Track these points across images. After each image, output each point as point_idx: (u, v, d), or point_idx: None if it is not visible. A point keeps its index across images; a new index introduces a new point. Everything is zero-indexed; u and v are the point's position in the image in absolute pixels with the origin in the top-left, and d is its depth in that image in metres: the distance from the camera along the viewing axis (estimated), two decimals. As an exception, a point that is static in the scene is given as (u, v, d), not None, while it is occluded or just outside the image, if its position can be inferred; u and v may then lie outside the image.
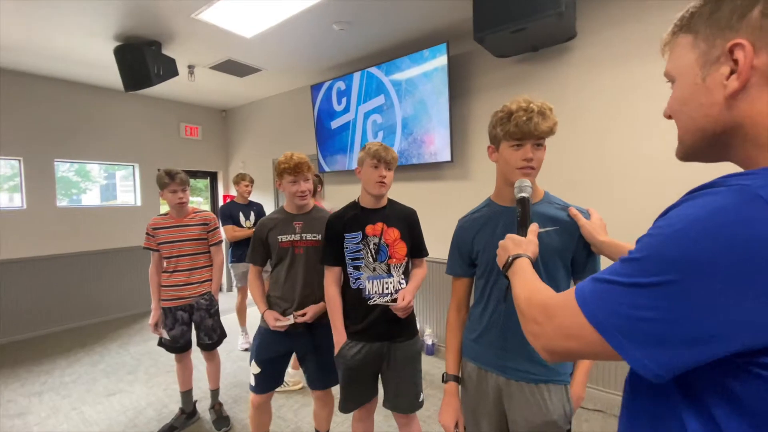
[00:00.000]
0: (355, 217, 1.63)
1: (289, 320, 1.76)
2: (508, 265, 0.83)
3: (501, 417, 1.21)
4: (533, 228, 0.96)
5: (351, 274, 1.62)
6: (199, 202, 6.27)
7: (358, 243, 1.60)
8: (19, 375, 3.21)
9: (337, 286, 1.67)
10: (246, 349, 3.56)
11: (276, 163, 1.82)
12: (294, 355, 1.97)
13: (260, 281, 1.93)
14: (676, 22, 0.55)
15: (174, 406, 2.64)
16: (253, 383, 1.88)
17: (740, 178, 0.43)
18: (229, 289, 5.78)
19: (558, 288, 1.13)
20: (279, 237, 1.82)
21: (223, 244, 2.54)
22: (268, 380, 1.90)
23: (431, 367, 3.07)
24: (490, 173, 3.21)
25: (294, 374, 2.85)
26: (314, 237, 1.84)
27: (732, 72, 0.47)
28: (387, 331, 1.60)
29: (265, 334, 1.85)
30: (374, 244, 1.59)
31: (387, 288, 1.60)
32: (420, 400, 1.67)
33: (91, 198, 4.89)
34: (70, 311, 4.35)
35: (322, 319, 1.81)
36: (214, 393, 2.53)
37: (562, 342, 0.53)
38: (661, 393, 0.50)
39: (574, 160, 2.69)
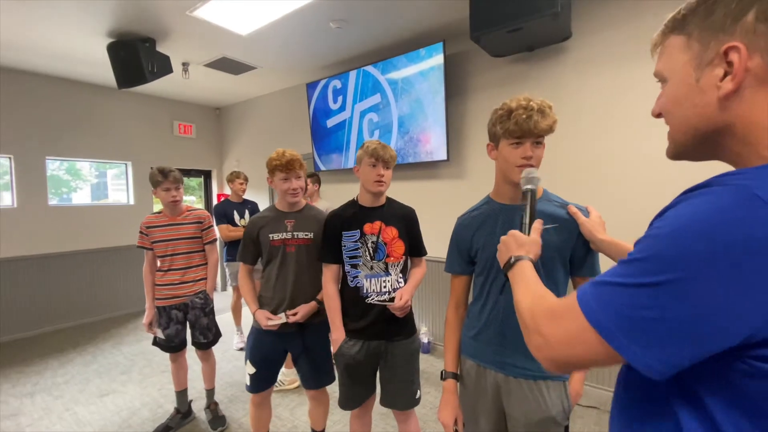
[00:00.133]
0: (353, 215, 1.63)
1: (281, 319, 1.74)
2: (510, 266, 0.82)
3: (500, 414, 1.21)
4: (537, 226, 0.92)
5: (349, 272, 1.63)
6: (192, 201, 6.23)
7: (356, 241, 1.60)
8: (9, 376, 3.16)
9: (336, 284, 1.67)
10: (241, 349, 3.55)
11: (268, 159, 1.80)
12: (289, 354, 1.97)
13: (250, 280, 1.91)
14: (666, 23, 0.56)
15: (169, 406, 2.62)
16: (248, 383, 1.87)
17: (736, 177, 0.44)
18: (224, 288, 5.75)
19: (557, 285, 1.15)
20: (270, 235, 1.80)
21: (218, 243, 2.52)
22: (264, 380, 1.89)
23: (428, 366, 3.07)
24: (486, 172, 3.24)
25: (289, 373, 2.84)
26: (306, 235, 1.82)
27: (726, 74, 0.48)
28: (385, 330, 1.61)
29: (258, 333, 1.84)
30: (372, 242, 1.59)
31: (385, 286, 1.60)
32: (417, 397, 1.68)
33: (82, 197, 4.83)
34: (61, 311, 4.29)
35: (314, 318, 1.81)
36: (210, 393, 2.52)
37: (567, 350, 0.52)
38: (654, 389, 0.51)
39: (569, 159, 2.71)
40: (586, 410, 2.53)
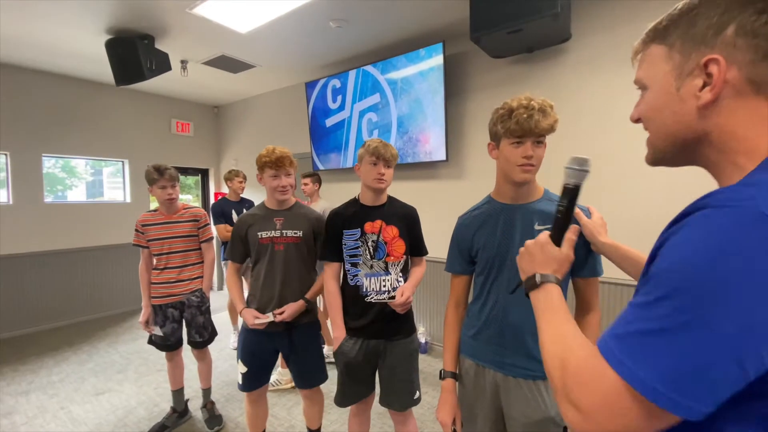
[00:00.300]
0: (354, 213, 1.63)
1: (269, 318, 1.73)
2: (534, 285, 0.72)
3: (498, 413, 1.21)
4: (572, 237, 0.78)
5: (349, 270, 1.63)
6: (188, 199, 6.20)
7: (356, 240, 1.60)
8: (5, 374, 3.13)
9: (337, 282, 1.66)
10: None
11: (258, 156, 1.79)
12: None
13: (238, 278, 1.90)
14: (648, 32, 0.58)
15: (165, 405, 2.61)
16: (240, 382, 1.87)
17: (738, 192, 0.44)
18: (221, 288, 5.73)
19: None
20: (259, 233, 1.79)
21: (215, 242, 2.51)
22: (255, 379, 1.88)
23: (426, 366, 3.07)
24: (485, 172, 3.24)
25: (285, 373, 2.83)
26: (295, 233, 1.80)
27: (705, 84, 0.50)
28: (384, 329, 1.61)
29: (247, 333, 1.83)
30: (372, 241, 1.59)
31: (384, 286, 1.60)
32: (416, 397, 1.68)
33: (77, 195, 4.79)
34: (57, 309, 4.26)
35: (302, 318, 1.80)
36: (206, 392, 2.50)
37: (607, 420, 0.45)
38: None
39: (565, 161, 2.71)
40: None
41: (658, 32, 0.56)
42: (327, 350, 3.21)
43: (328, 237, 1.65)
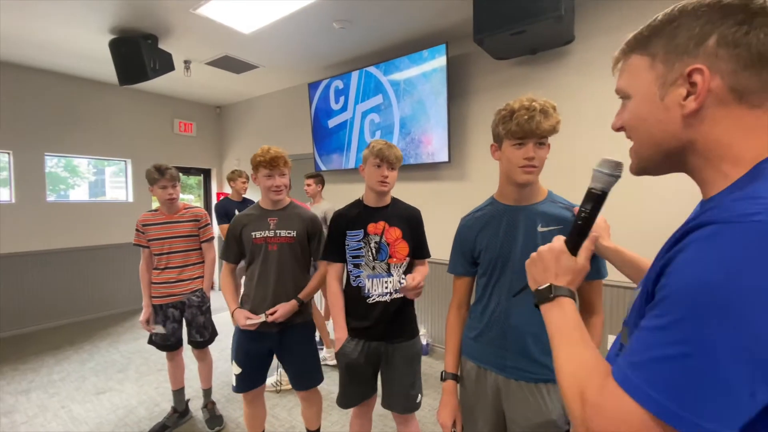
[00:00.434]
0: (357, 214, 1.63)
1: (261, 318, 1.72)
2: (547, 298, 0.68)
3: (499, 416, 1.21)
4: (589, 246, 0.72)
5: (351, 271, 1.62)
6: (190, 199, 6.21)
7: (359, 241, 1.60)
8: (5, 373, 3.13)
9: (340, 283, 1.66)
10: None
11: (252, 156, 1.79)
12: None
13: (232, 278, 1.90)
14: (628, 41, 0.59)
15: (166, 404, 2.60)
16: (234, 383, 1.85)
17: (744, 206, 0.43)
18: (221, 287, 5.73)
19: None
20: (253, 233, 1.79)
21: (216, 241, 2.51)
22: (249, 380, 1.87)
23: (427, 367, 3.07)
24: (488, 174, 3.24)
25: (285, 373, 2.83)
26: (289, 233, 1.80)
27: (688, 93, 0.51)
28: (386, 331, 1.60)
29: (241, 334, 1.82)
30: (375, 242, 1.59)
31: (386, 287, 1.60)
32: (417, 401, 1.67)
33: (79, 194, 4.80)
34: (58, 308, 4.26)
35: (295, 318, 1.80)
36: (207, 392, 2.50)
37: None
38: None
39: (570, 163, 2.71)
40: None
41: (640, 42, 0.57)
42: (325, 353, 3.21)
43: (331, 237, 1.65)
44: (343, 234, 1.62)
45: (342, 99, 3.88)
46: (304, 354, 1.87)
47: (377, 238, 1.59)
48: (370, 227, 1.60)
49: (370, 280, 1.59)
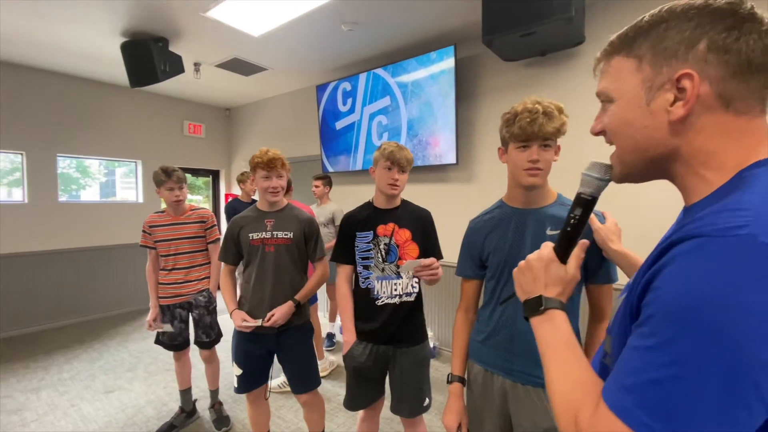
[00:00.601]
0: (367, 216, 1.63)
1: (257, 323, 1.73)
2: (537, 311, 0.65)
3: (506, 420, 1.19)
4: (579, 254, 0.68)
5: (360, 273, 1.62)
6: (198, 200, 6.26)
7: (368, 242, 1.60)
8: (16, 371, 3.18)
9: (349, 284, 1.65)
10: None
11: (251, 158, 1.81)
12: None
13: (231, 280, 1.91)
14: (612, 41, 0.57)
15: (173, 404, 2.62)
16: (236, 384, 1.86)
17: (730, 219, 0.42)
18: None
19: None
20: (250, 235, 1.80)
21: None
22: (250, 380, 1.87)
23: (433, 371, 3.01)
24: (495, 176, 3.22)
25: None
26: (286, 235, 1.81)
27: (676, 99, 0.49)
28: (394, 334, 1.59)
29: (240, 335, 1.82)
30: (385, 244, 1.58)
31: (396, 290, 1.59)
32: (425, 405, 1.65)
33: (90, 194, 4.87)
34: (68, 307, 4.32)
35: (292, 320, 1.80)
36: (214, 393, 2.51)
37: None
38: None
39: (579, 165, 2.68)
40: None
41: (625, 44, 0.55)
42: (323, 363, 3.11)
43: (341, 239, 1.65)
44: (352, 236, 1.62)
45: (350, 101, 3.89)
46: (303, 356, 1.87)
47: (387, 240, 1.58)
48: (380, 229, 1.59)
49: (380, 282, 1.59)
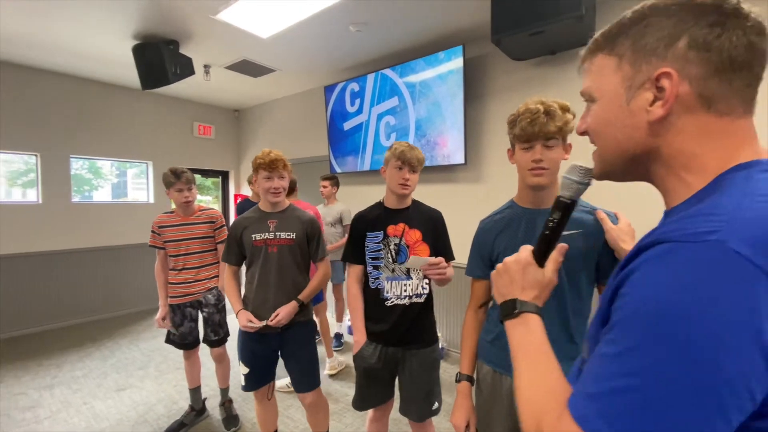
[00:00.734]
0: (378, 216, 1.62)
1: (262, 324, 1.75)
2: (512, 314, 0.64)
3: (515, 421, 1.18)
4: (557, 257, 0.68)
5: (371, 273, 1.61)
6: (208, 201, 6.32)
7: (378, 242, 1.59)
8: (30, 368, 3.23)
9: (359, 285, 1.65)
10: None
11: (253, 159, 1.83)
12: None
13: (235, 280, 1.92)
14: (595, 40, 0.56)
15: (183, 403, 2.64)
16: (243, 383, 1.88)
17: (701, 224, 0.40)
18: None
19: (580, 294, 1.12)
20: (253, 235, 1.81)
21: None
22: (257, 379, 1.89)
23: (441, 372, 3.01)
24: (504, 176, 3.20)
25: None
26: (288, 235, 1.82)
27: (655, 99, 0.48)
28: (404, 336, 1.58)
29: (245, 334, 1.84)
30: (395, 244, 1.58)
31: (405, 290, 1.58)
32: (434, 408, 1.64)
33: (102, 195, 4.94)
34: (81, 306, 4.39)
35: (297, 317, 1.81)
36: (224, 392, 2.53)
37: None
38: None
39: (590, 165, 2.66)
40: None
41: (607, 41, 0.54)
42: (328, 366, 3.10)
43: (352, 239, 1.65)
44: (363, 236, 1.62)
45: (357, 101, 3.90)
46: (307, 353, 1.89)
47: (397, 240, 1.58)
48: (390, 229, 1.59)
49: (389, 282, 1.58)
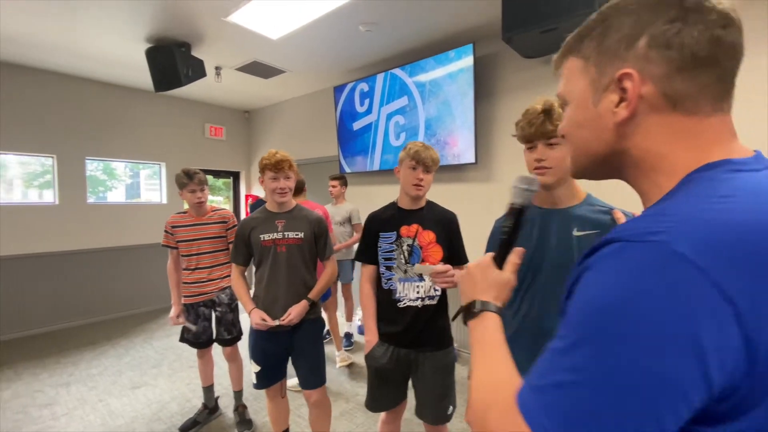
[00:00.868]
0: (391, 217, 1.61)
1: (274, 323, 1.76)
2: (472, 314, 0.66)
3: None
4: (515, 260, 0.71)
5: (383, 274, 1.60)
6: (219, 201, 6.38)
7: (391, 243, 1.58)
8: (46, 365, 3.30)
9: (372, 285, 1.64)
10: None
11: (260, 159, 1.85)
12: None
13: (244, 280, 1.94)
14: (565, 43, 0.55)
15: (197, 401, 2.67)
16: (255, 381, 1.89)
17: (651, 224, 0.40)
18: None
19: None
20: (261, 236, 1.82)
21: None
22: (268, 377, 1.90)
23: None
24: (515, 175, 3.14)
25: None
26: (297, 235, 1.84)
27: (621, 100, 0.48)
28: (417, 338, 1.56)
29: (256, 333, 1.85)
30: (408, 245, 1.56)
31: (418, 292, 1.57)
32: (449, 413, 1.62)
33: (117, 196, 5.02)
34: (96, 305, 4.47)
35: (307, 315, 1.83)
36: (237, 394, 2.53)
37: None
38: None
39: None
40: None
41: (576, 43, 0.53)
42: (337, 358, 3.19)
43: (365, 239, 1.65)
44: (376, 236, 1.61)
45: (367, 101, 3.90)
46: (314, 350, 1.90)
47: (410, 241, 1.56)
48: (403, 230, 1.57)
49: (402, 283, 1.57)
